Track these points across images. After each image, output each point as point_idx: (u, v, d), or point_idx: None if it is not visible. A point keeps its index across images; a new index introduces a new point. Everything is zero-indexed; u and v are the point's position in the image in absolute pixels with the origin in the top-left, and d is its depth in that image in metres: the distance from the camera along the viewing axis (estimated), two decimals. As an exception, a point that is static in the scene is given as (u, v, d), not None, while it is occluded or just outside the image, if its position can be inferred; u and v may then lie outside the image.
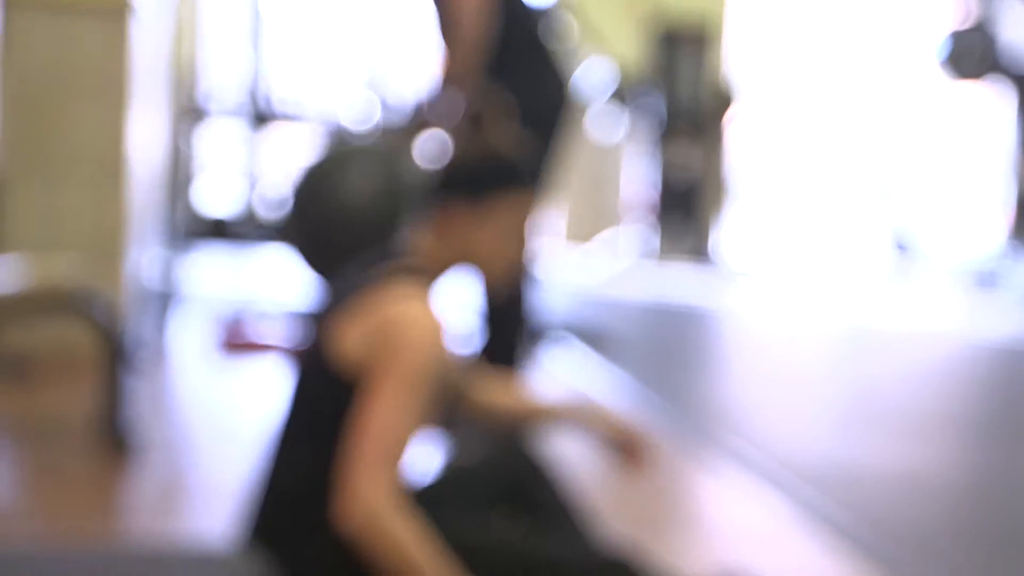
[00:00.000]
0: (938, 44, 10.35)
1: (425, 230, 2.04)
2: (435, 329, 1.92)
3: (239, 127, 5.79)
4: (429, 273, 2.03)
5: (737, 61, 10.62)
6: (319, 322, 1.99)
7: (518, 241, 2.03)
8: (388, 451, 1.88)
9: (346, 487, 1.87)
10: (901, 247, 11.42)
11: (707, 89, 9.65)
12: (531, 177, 2.06)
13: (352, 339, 1.93)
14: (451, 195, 2.02)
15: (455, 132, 3.27)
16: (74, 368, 3.85)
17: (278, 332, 4.80)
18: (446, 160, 2.08)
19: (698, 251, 9.83)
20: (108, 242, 4.26)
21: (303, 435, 1.98)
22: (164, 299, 5.29)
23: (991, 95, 10.90)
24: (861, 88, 13.34)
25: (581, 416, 2.19)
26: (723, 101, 9.73)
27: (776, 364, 5.75)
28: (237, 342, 4.73)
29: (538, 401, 2.23)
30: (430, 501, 2.15)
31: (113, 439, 3.19)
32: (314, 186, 3.96)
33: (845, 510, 3.40)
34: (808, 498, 3.48)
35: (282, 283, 6.65)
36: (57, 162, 4.33)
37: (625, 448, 2.16)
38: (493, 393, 2.23)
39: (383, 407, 1.89)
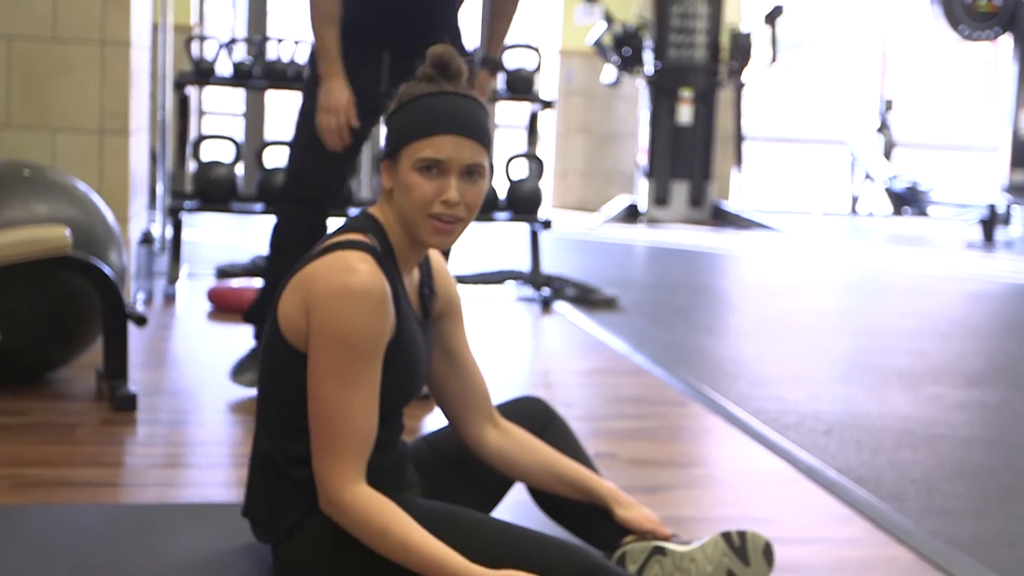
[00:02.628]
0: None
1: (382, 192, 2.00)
2: (362, 299, 1.83)
3: (243, 88, 5.76)
4: (391, 236, 1.96)
5: (753, 7, 10.53)
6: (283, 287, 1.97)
7: (420, 196, 1.90)
8: (336, 436, 1.85)
9: (316, 475, 1.89)
10: (902, 193, 11.38)
11: (720, 38, 9.57)
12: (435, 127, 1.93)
13: (290, 307, 1.91)
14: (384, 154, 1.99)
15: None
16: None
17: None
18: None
19: (702, 206, 9.81)
20: (111, 200, 4.25)
21: (272, 401, 1.98)
22: (167, 257, 5.29)
23: (992, 44, 10.82)
24: (867, 34, 13.26)
25: (612, 498, 2.09)
26: (739, 51, 9.65)
27: (781, 313, 5.75)
28: (227, 300, 4.73)
29: (570, 465, 2.13)
30: (431, 463, 2.16)
31: (115, 396, 3.19)
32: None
33: (852, 456, 3.40)
34: (815, 446, 3.49)
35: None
36: (59, 118, 4.31)
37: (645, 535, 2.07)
38: (515, 440, 2.13)
39: (322, 388, 1.86)
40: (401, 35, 3.24)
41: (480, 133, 1.93)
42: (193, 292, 5.11)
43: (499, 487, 2.21)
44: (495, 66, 3.42)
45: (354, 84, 3.20)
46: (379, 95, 3.14)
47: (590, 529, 2.12)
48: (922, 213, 11.35)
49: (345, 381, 1.84)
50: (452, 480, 2.16)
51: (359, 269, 1.85)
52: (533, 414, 2.21)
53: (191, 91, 5.74)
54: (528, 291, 5.55)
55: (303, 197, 3.33)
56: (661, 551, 2.01)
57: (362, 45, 3.23)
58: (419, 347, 1.99)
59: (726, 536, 2.03)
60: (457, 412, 2.12)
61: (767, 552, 2.04)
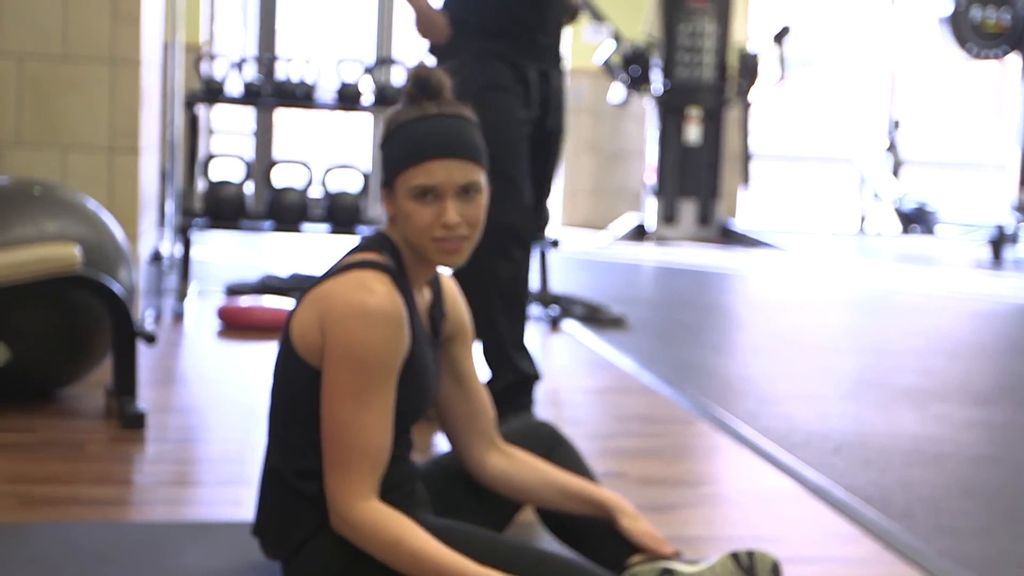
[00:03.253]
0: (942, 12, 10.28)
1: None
2: (378, 320, 1.85)
3: (253, 107, 5.78)
4: (403, 255, 1.97)
5: (761, 27, 10.55)
6: (296, 304, 1.99)
7: (420, 223, 1.91)
8: (349, 454, 1.85)
9: (327, 493, 1.90)
10: (910, 213, 11.37)
11: (728, 57, 9.59)
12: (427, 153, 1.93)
13: (305, 323, 1.91)
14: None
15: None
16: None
17: (276, 310, 4.80)
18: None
19: (710, 224, 9.81)
20: (121, 218, 4.27)
21: (284, 415, 1.98)
22: (177, 275, 5.30)
23: (1000, 63, 10.82)
24: (875, 53, 13.28)
25: (617, 508, 2.08)
26: (747, 70, 9.67)
27: (789, 331, 5.74)
28: (237, 318, 4.74)
29: (572, 478, 2.12)
30: (441, 483, 2.16)
31: (124, 413, 3.20)
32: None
33: (860, 475, 3.39)
34: (823, 464, 3.48)
35: (295, 261, 6.66)
36: (69, 136, 4.34)
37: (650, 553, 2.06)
38: (517, 460, 2.12)
39: (337, 406, 1.86)
40: (534, 50, 3.26)
41: (469, 151, 1.94)
42: (202, 310, 5.12)
43: (509, 508, 2.21)
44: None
45: (514, 109, 3.17)
46: (532, 114, 3.22)
47: (598, 549, 2.11)
48: (930, 232, 11.35)
49: (359, 400, 1.85)
50: (462, 500, 2.16)
51: (376, 290, 1.86)
52: (540, 438, 2.22)
53: (201, 109, 5.77)
54: (536, 310, 5.56)
55: (526, 240, 3.18)
56: (670, 572, 2.01)
57: (505, 70, 3.21)
58: (429, 366, 2.00)
59: (735, 556, 2.03)
60: (461, 435, 2.12)
61: (775, 572, 2.03)
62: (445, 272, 2.13)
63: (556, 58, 3.33)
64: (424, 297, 2.05)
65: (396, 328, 1.87)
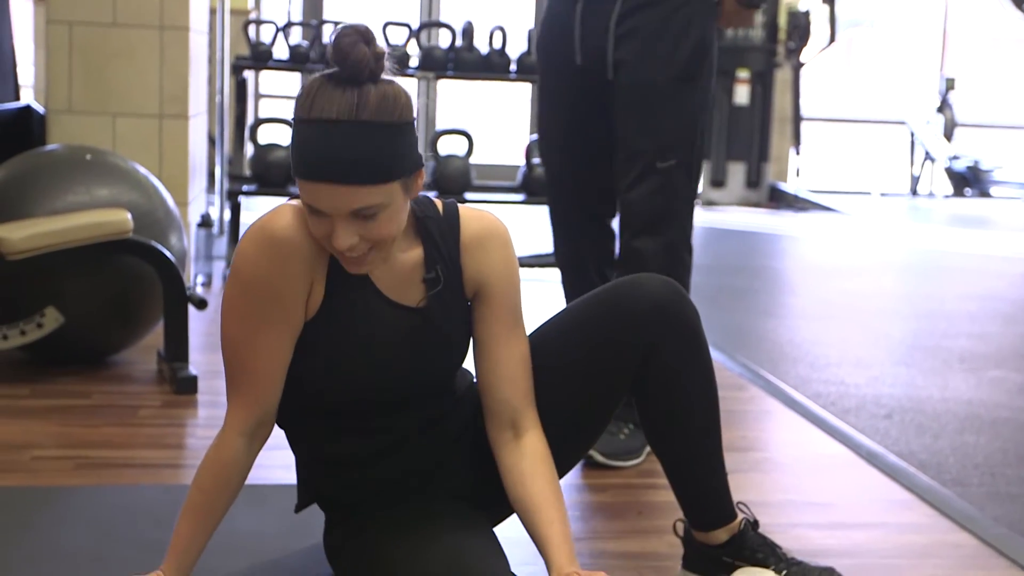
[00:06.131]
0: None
1: None
2: (267, 240, 1.67)
3: (299, 72, 5.78)
4: None
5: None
6: None
7: (316, 234, 1.67)
8: (233, 375, 1.75)
9: None
10: (963, 173, 11.21)
11: (778, 17, 9.47)
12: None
13: None
14: None
15: None
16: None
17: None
18: None
19: (760, 188, 9.73)
20: (171, 184, 4.29)
21: None
22: (226, 240, 5.34)
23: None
24: (927, 13, 13.06)
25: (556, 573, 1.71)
26: (797, 31, 9.54)
27: (840, 296, 5.69)
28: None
29: (543, 524, 1.76)
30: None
31: (176, 378, 3.23)
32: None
33: (914, 441, 3.36)
34: (876, 430, 3.45)
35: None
36: (119, 103, 4.36)
37: None
38: (523, 464, 1.82)
39: (224, 321, 1.74)
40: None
41: (358, 172, 1.57)
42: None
43: None
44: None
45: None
46: None
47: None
48: (984, 193, 11.19)
49: (245, 322, 1.71)
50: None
51: (283, 214, 1.69)
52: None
53: (248, 75, 5.78)
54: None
55: None
56: None
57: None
58: (381, 333, 1.76)
59: None
60: (483, 410, 1.87)
61: None
62: (480, 222, 1.83)
63: None
64: (410, 252, 1.77)
65: (284, 254, 1.67)
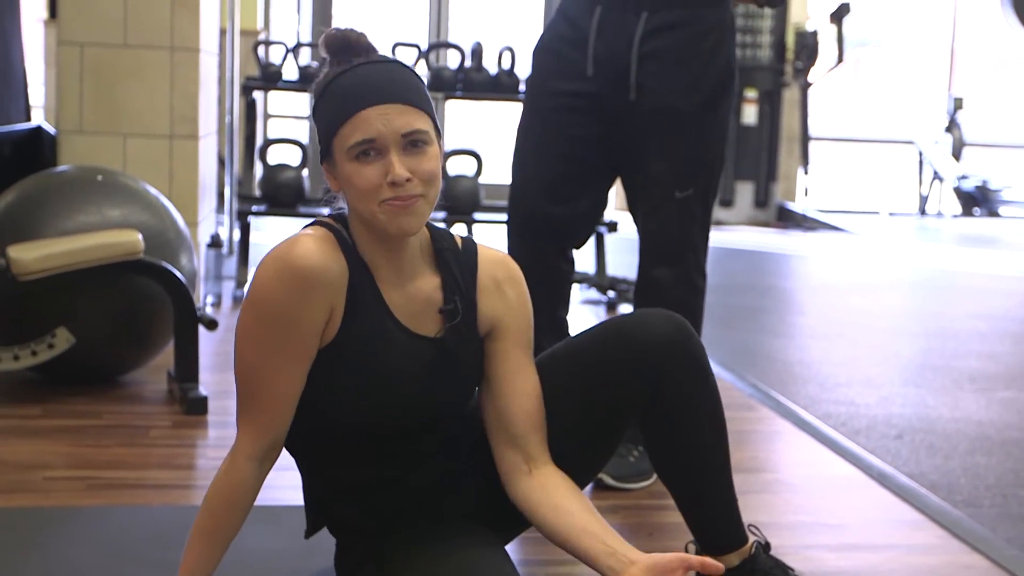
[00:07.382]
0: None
1: None
2: (287, 268, 1.68)
3: (309, 92, 5.81)
4: (358, 231, 1.76)
5: (819, 5, 10.41)
6: None
7: (364, 184, 1.69)
8: (245, 400, 1.75)
9: None
10: (972, 193, 11.20)
11: (786, 37, 9.48)
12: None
13: None
14: None
15: None
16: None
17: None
18: None
19: (768, 207, 9.73)
20: (181, 205, 4.30)
21: None
22: (236, 261, 5.34)
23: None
24: (935, 32, 13.07)
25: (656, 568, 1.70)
26: (805, 50, 9.55)
27: (850, 315, 5.68)
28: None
29: (591, 542, 1.75)
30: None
31: (187, 398, 3.23)
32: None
33: (925, 462, 3.35)
34: (887, 450, 3.44)
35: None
36: (130, 123, 4.37)
37: None
38: (548, 496, 1.81)
39: (239, 346, 1.74)
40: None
41: (409, 94, 1.69)
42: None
43: None
44: None
45: None
46: None
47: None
48: (993, 213, 11.17)
49: (261, 347, 1.71)
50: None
51: (303, 242, 1.70)
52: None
53: (258, 95, 5.80)
54: (593, 294, 5.54)
55: None
56: None
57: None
58: (397, 362, 1.77)
59: None
60: (491, 441, 1.87)
61: None
62: (498, 266, 1.86)
63: None
64: (418, 287, 1.80)
65: (305, 284, 1.68)
